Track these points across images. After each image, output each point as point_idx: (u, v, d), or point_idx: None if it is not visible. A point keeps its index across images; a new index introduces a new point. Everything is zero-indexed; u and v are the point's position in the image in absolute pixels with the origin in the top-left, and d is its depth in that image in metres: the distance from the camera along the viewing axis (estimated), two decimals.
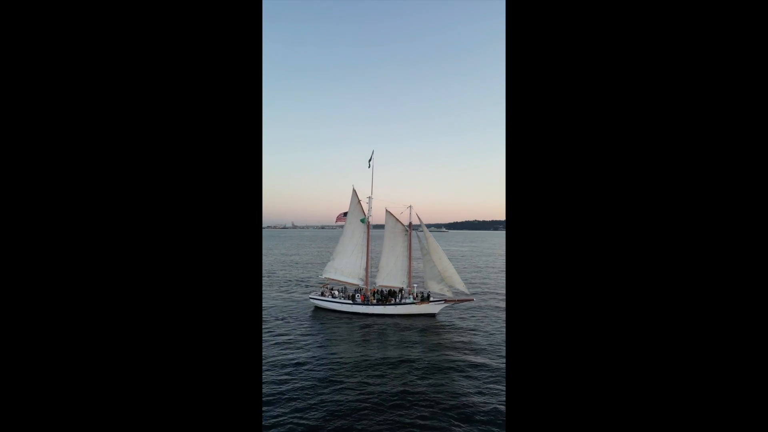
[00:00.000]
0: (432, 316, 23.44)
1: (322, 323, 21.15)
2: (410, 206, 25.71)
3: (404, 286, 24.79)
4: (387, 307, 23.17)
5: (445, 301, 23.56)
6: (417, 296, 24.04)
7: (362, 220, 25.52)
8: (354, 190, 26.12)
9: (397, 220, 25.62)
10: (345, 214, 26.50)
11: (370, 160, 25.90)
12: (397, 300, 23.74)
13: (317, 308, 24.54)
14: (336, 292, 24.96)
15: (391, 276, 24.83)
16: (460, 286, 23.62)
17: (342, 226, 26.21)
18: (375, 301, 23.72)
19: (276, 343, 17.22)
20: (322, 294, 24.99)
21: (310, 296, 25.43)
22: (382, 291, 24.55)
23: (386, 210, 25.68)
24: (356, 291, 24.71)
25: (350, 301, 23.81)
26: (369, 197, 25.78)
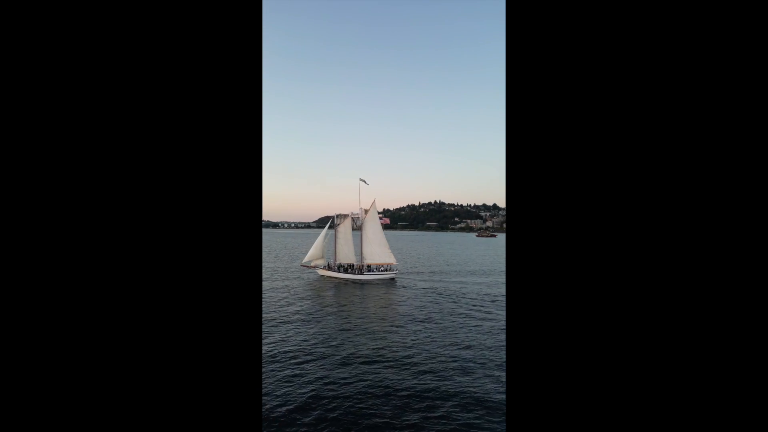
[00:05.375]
0: (392, 280, 35.24)
1: (332, 290, 29.78)
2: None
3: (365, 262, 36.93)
4: (376, 274, 35.73)
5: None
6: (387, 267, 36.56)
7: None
8: (374, 202, 37.81)
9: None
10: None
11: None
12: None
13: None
14: (339, 268, 36.24)
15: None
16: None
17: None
18: (367, 271, 35.94)
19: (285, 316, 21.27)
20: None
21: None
22: (369, 266, 36.74)
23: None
24: (360, 266, 36.40)
25: (358, 271, 35.79)
26: (361, 208, 37.80)
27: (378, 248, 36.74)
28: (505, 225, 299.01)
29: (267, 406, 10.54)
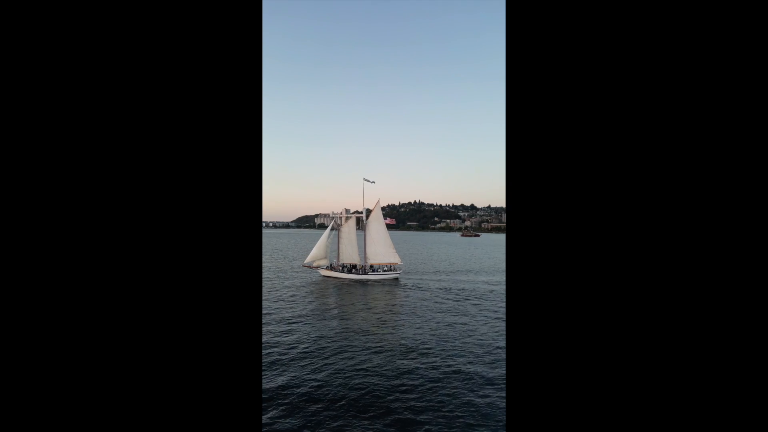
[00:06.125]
0: (396, 279, 34.94)
1: (335, 290, 28.93)
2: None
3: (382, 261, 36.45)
4: (380, 274, 35.35)
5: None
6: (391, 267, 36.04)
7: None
8: (378, 202, 37.54)
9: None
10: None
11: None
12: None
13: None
14: (343, 268, 35.82)
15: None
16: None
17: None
18: (371, 271, 35.38)
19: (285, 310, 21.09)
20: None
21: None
22: (372, 266, 36.20)
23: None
24: (361, 266, 36.01)
25: (361, 271, 35.36)
26: (365, 208, 37.39)
27: (382, 248, 36.26)
28: (482, 224, 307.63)
29: (267, 407, 10.43)
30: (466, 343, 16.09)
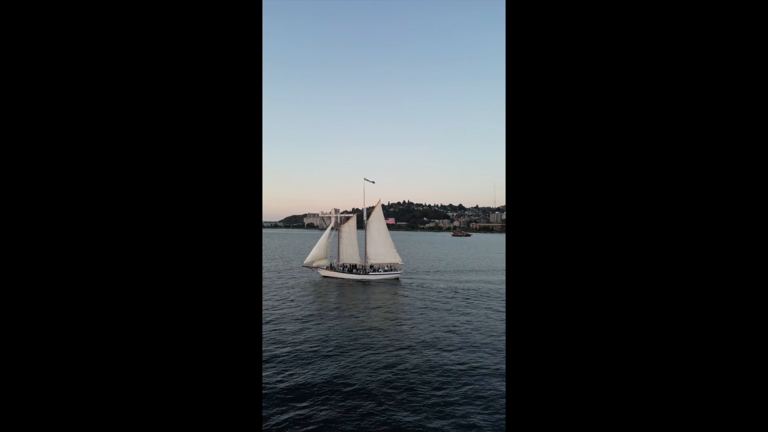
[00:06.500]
0: (397, 279, 34.74)
1: (336, 290, 28.46)
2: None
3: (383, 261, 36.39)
4: (380, 274, 35.03)
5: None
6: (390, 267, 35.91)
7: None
8: (379, 201, 37.45)
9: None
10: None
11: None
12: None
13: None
14: (343, 268, 35.60)
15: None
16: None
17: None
18: (372, 271, 35.29)
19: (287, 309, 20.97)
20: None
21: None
22: (372, 266, 36.10)
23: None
24: (362, 266, 35.75)
25: (362, 272, 35.02)
26: (364, 207, 37.21)
27: (383, 248, 36.11)
28: (471, 224, 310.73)
29: (267, 407, 10.30)
30: (486, 343, 15.95)
